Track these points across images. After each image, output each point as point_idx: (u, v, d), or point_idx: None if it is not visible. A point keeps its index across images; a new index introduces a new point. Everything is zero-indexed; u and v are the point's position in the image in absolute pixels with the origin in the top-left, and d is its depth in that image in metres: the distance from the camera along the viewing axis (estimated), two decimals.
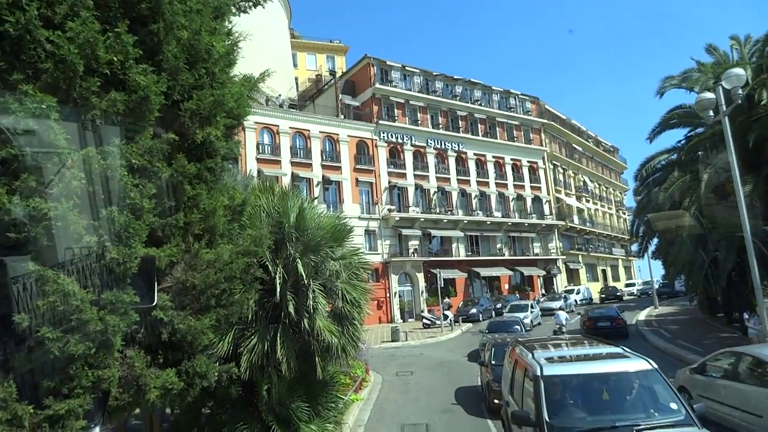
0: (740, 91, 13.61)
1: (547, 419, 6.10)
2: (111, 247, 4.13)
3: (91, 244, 4.07)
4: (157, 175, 4.75)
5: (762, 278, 14.91)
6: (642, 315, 32.34)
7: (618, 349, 7.52)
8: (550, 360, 7.25)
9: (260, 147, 35.57)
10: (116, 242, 4.22)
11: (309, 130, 38.05)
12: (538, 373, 6.69)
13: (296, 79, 54.79)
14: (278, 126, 36.53)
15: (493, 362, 13.11)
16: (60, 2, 4.02)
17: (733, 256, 19.84)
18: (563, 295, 40.91)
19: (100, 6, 4.29)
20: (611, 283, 59.98)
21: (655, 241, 30.03)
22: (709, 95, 14.37)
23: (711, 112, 14.52)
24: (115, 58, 4.28)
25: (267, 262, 8.37)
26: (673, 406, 6.14)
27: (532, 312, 29.92)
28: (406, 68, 45.06)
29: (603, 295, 46.42)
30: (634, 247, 45.50)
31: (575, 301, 42.00)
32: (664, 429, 5.73)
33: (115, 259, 4.12)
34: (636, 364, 6.77)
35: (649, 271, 42.61)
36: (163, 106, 4.74)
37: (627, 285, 58.88)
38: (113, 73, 4.33)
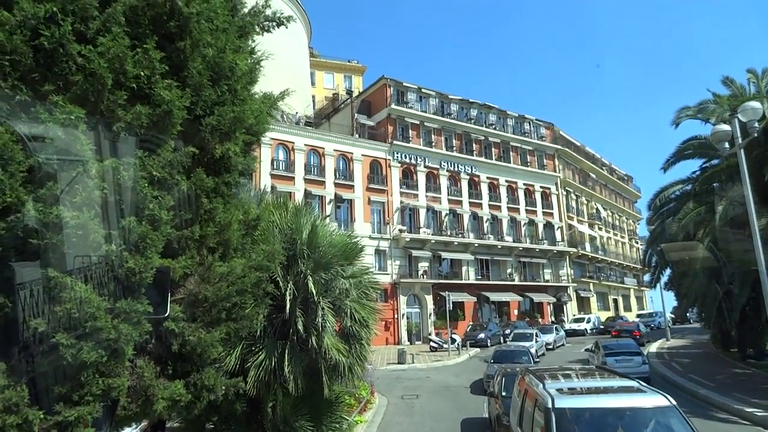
0: (756, 125, 13.57)
1: None
2: (128, 257, 4.20)
3: (109, 253, 4.14)
4: (176, 188, 4.84)
5: None
6: (653, 347, 31.76)
7: (633, 383, 7.26)
8: (561, 391, 7.01)
9: (275, 163, 35.92)
10: (133, 252, 4.29)
11: (324, 148, 38.39)
12: (549, 405, 6.47)
13: (313, 97, 55.52)
14: (294, 143, 36.93)
15: (503, 394, 12.16)
16: (93, 18, 4.16)
17: (747, 290, 19.55)
18: (555, 327, 36.12)
19: (130, 22, 4.44)
20: (621, 313, 59.16)
21: (668, 271, 29.65)
22: (725, 127, 14.34)
23: (726, 144, 14.46)
24: (142, 73, 4.40)
25: (278, 278, 8.40)
26: None
27: (537, 341, 28.61)
28: (422, 90, 45.48)
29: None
30: (647, 277, 44.98)
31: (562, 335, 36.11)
32: None
33: (131, 268, 4.18)
34: (653, 399, 6.51)
35: (661, 302, 41.59)
36: (185, 121, 4.85)
37: (576, 320, 46.69)
38: (139, 87, 4.45)
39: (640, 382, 7.37)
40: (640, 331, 33.57)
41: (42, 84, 3.95)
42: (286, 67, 42.91)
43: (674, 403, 6.41)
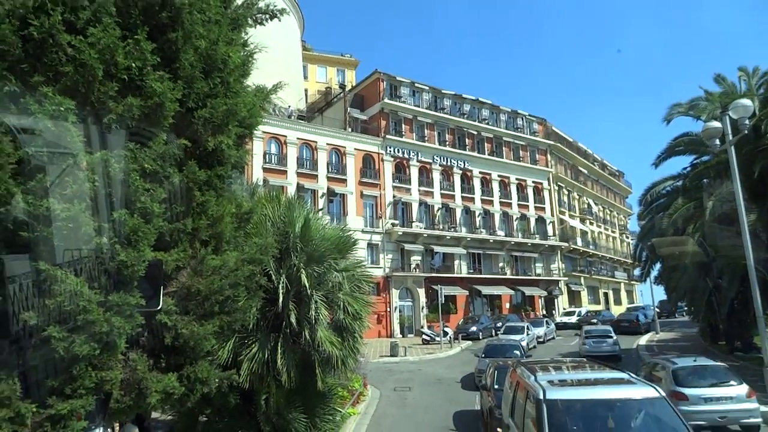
0: (747, 122, 13.69)
1: None
2: (120, 250, 4.18)
3: (101, 246, 4.12)
4: (168, 181, 4.81)
5: (764, 308, 14.81)
6: (643, 340, 32.10)
7: (623, 375, 7.35)
8: (552, 383, 7.07)
9: (267, 156, 35.76)
10: (125, 245, 4.27)
11: (316, 142, 38.27)
12: (541, 397, 6.52)
13: (306, 90, 55.25)
14: (286, 136, 36.77)
15: (495, 386, 12.24)
16: (84, 8, 4.12)
17: (736, 284, 19.79)
18: (545, 321, 36.27)
19: (122, 13, 4.40)
20: (612, 306, 59.69)
21: (658, 266, 29.94)
22: (716, 124, 14.45)
23: (717, 141, 14.58)
24: (133, 65, 4.37)
25: (271, 271, 8.39)
26: None
27: (528, 334, 28.89)
28: (416, 85, 45.39)
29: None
30: (637, 272, 45.31)
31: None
32: None
33: (123, 261, 4.16)
34: (642, 390, 6.59)
35: (651, 295, 41.96)
36: (177, 113, 4.82)
37: (566, 314, 46.44)
38: (131, 78, 4.42)
39: (630, 374, 7.46)
40: (639, 320, 36.29)
41: (31, 75, 3.91)
42: (279, 60, 42.65)
43: (663, 394, 6.49)
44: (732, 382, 11.63)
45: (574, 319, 43.78)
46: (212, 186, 5.54)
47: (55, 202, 3.76)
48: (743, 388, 11.38)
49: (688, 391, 10.96)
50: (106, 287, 4.20)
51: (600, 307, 57.03)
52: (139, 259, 4.24)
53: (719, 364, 12.88)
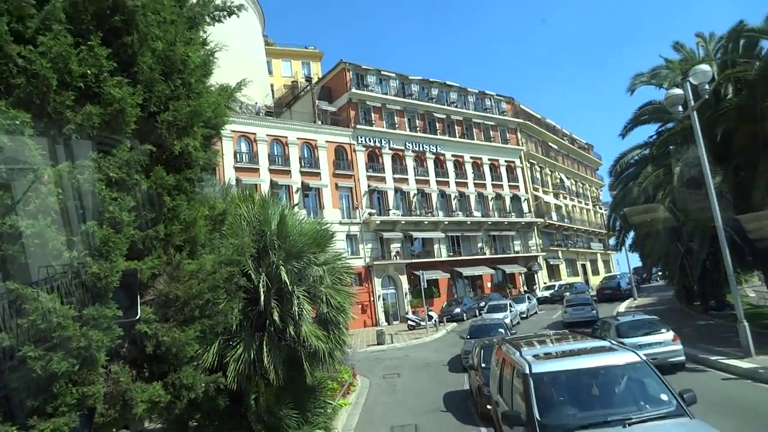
0: (707, 87, 14.03)
1: (538, 418, 6.02)
2: (91, 262, 4.09)
3: (71, 260, 4.03)
4: (136, 188, 4.72)
5: (734, 266, 15.32)
6: (622, 307, 32.91)
7: (605, 343, 7.53)
8: (537, 357, 7.20)
9: (238, 155, 35.30)
10: (96, 257, 4.18)
11: (286, 137, 37.89)
12: (527, 371, 6.63)
13: (272, 86, 54.53)
14: (255, 134, 36.31)
15: (483, 365, 12.51)
16: (31, 16, 3.98)
17: (706, 246, 20.36)
18: (527, 296, 37.20)
19: (72, 19, 4.26)
20: (590, 277, 60.97)
21: (632, 234, 30.64)
22: (678, 91, 14.78)
23: (680, 108, 14.93)
24: (89, 71, 4.24)
25: (250, 271, 8.32)
26: (664, 397, 6.12)
27: (511, 311, 29.50)
28: (382, 72, 45.22)
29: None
30: (612, 241, 46.37)
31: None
32: (655, 420, 5.70)
33: (95, 273, 4.08)
34: (624, 356, 6.73)
35: (627, 263, 43.11)
36: (139, 118, 4.71)
37: (547, 288, 47.14)
38: (88, 86, 4.30)
39: (612, 341, 7.65)
40: (620, 287, 39.41)
41: None
42: (242, 57, 41.93)
43: (644, 358, 6.68)
44: (662, 331, 14.30)
45: (548, 293, 44.75)
46: (182, 190, 5.45)
47: (18, 219, 3.66)
48: (669, 335, 14.06)
49: (627, 340, 12.65)
50: (81, 301, 4.11)
51: (579, 279, 58.30)
52: (113, 270, 4.16)
53: (652, 317, 15.87)
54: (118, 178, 4.48)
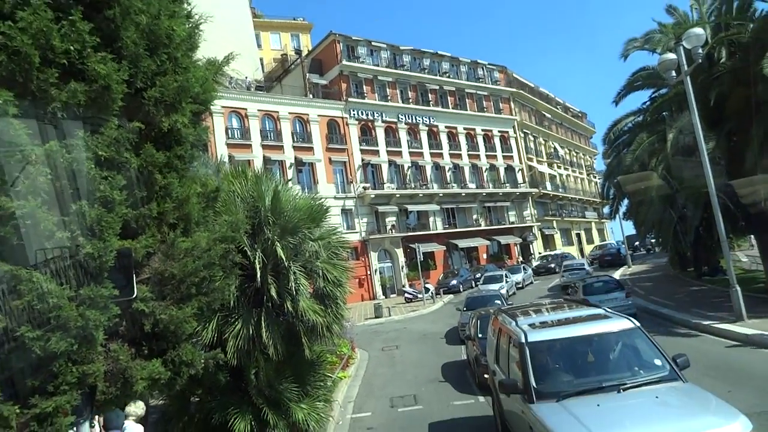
0: (700, 51, 13.91)
1: (534, 385, 6.14)
2: (85, 242, 4.06)
3: (64, 241, 4.00)
4: (126, 166, 4.65)
5: (727, 232, 15.45)
6: (616, 274, 33.24)
7: (599, 311, 7.60)
8: (533, 326, 7.29)
9: (229, 132, 34.97)
10: (90, 237, 4.15)
11: (278, 112, 37.50)
12: (523, 340, 6.73)
13: (261, 59, 53.67)
14: (246, 109, 35.91)
15: (479, 335, 12.77)
16: None
17: (699, 212, 20.49)
18: (522, 267, 37.55)
19: None
20: (585, 246, 61.45)
21: (626, 202, 30.78)
22: (671, 56, 14.64)
23: (673, 73, 14.80)
24: (71, 48, 4.13)
25: (245, 247, 8.32)
26: (657, 362, 6.23)
27: (507, 282, 30.01)
28: (373, 43, 44.55)
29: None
30: (606, 209, 46.59)
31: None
32: (649, 385, 5.82)
33: (90, 253, 4.05)
34: (618, 323, 6.83)
35: (621, 231, 43.47)
36: (126, 95, 4.61)
37: (542, 258, 47.76)
38: (71, 63, 4.19)
39: (606, 309, 7.74)
40: (620, 253, 42.52)
41: None
42: (229, 29, 41.11)
43: (638, 324, 6.77)
44: (618, 290, 18.40)
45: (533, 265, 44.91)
46: (173, 167, 5.37)
47: (7, 201, 3.61)
48: (623, 293, 18.09)
49: (590, 298, 16.23)
50: (77, 281, 4.09)
51: (574, 248, 58.82)
52: (107, 250, 4.13)
53: (613, 278, 20.75)
54: (108, 157, 4.41)
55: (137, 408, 6.42)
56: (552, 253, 49.53)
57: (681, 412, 5.37)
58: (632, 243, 49.86)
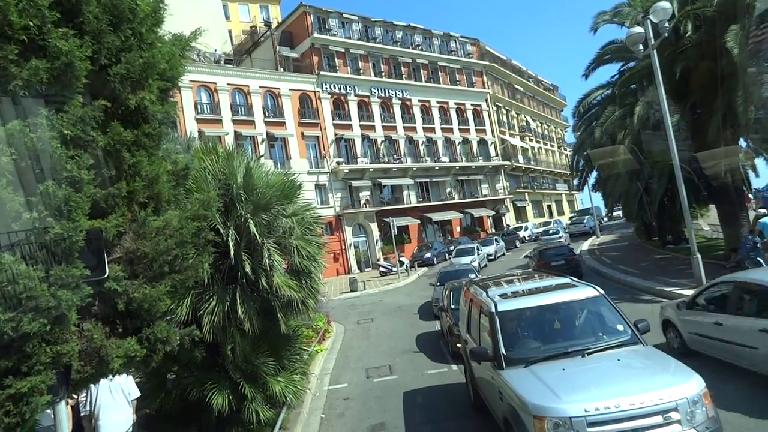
0: (667, 24, 14.12)
1: (504, 352, 6.41)
2: (53, 223, 4.03)
3: (32, 222, 3.96)
4: (93, 145, 4.58)
5: (690, 202, 15.99)
6: (585, 245, 34.19)
7: (566, 280, 7.93)
8: (503, 296, 7.54)
9: (198, 107, 34.20)
10: (58, 217, 4.11)
11: (248, 86, 36.77)
12: (493, 310, 6.98)
13: (230, 32, 52.21)
14: (216, 83, 35.10)
15: (452, 307, 13.11)
16: None
17: (664, 183, 21.11)
18: (494, 239, 38.06)
19: None
20: (555, 216, 62.72)
21: (594, 174, 31.46)
22: (639, 30, 14.84)
23: (641, 46, 15.03)
24: (31, 23, 4.01)
25: (218, 225, 8.29)
26: (620, 327, 6.58)
27: (479, 254, 30.38)
28: (344, 15, 43.79)
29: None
30: (576, 181, 47.53)
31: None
32: (611, 349, 6.16)
33: (59, 234, 4.02)
34: (583, 292, 7.14)
35: (590, 202, 44.63)
36: (90, 72, 4.51)
37: (515, 229, 47.62)
38: (31, 39, 4.07)
39: (573, 278, 8.04)
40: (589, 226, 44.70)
41: None
42: (195, 1, 39.82)
43: (602, 292, 7.10)
44: (570, 253, 21.86)
45: (522, 234, 45.92)
46: (141, 145, 5.30)
47: None
48: (576, 256, 22.41)
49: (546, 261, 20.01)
50: (47, 262, 4.07)
51: (546, 219, 59.93)
52: (76, 230, 4.10)
53: (565, 245, 25.45)
54: (74, 136, 4.34)
55: None
56: (540, 220, 51.56)
57: (641, 373, 5.72)
58: (599, 214, 51.85)
